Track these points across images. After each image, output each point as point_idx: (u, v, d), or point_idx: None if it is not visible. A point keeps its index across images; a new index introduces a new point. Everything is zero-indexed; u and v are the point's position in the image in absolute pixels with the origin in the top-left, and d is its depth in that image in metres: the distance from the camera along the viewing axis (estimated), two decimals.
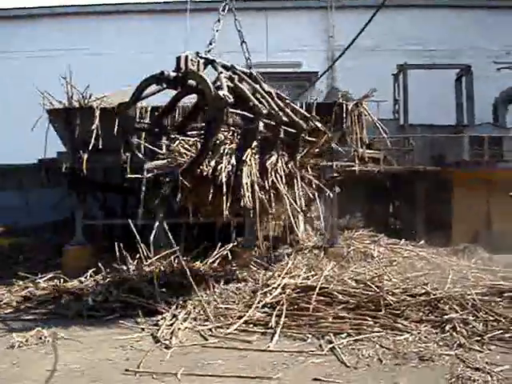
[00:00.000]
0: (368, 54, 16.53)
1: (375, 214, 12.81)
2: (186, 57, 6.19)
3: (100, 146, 8.72)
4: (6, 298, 7.44)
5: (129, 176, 7.41)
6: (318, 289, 6.41)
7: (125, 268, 7.60)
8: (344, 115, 9.26)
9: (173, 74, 6.08)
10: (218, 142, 6.88)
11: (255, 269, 8.12)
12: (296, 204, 7.37)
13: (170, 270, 7.48)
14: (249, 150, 6.87)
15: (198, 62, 6.41)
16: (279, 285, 6.88)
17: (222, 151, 6.96)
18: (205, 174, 6.72)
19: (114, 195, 11.57)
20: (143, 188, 7.47)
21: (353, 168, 9.90)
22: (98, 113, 8.81)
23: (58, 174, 9.61)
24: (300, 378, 4.32)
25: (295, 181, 7.53)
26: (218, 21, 7.38)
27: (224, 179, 6.66)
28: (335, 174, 9.52)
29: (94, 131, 8.72)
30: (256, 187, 6.84)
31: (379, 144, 11.63)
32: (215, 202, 6.84)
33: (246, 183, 6.70)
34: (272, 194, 7.12)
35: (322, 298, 6.32)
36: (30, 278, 7.97)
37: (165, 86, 6.16)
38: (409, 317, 5.82)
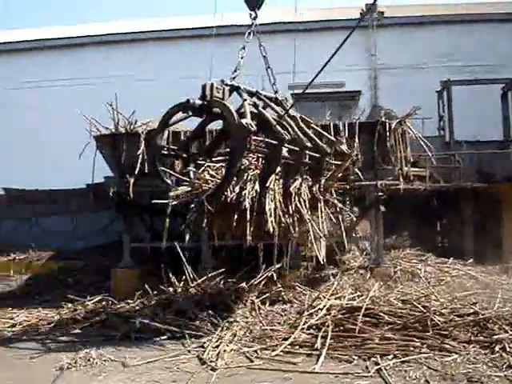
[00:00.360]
0: (410, 71, 16.45)
1: (422, 233, 12.61)
2: (212, 85, 6.41)
3: (146, 170, 8.90)
4: (56, 319, 7.62)
5: (154, 201, 7.53)
6: (363, 310, 6.36)
7: (171, 290, 7.70)
8: (387, 134, 9.22)
9: (198, 102, 6.28)
10: (242, 167, 6.92)
11: (301, 290, 8.11)
12: (319, 228, 7.33)
13: (216, 291, 7.53)
14: (272, 176, 6.89)
15: (224, 89, 6.59)
16: (325, 306, 6.85)
17: (246, 177, 6.99)
18: (229, 200, 6.76)
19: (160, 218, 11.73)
20: (168, 212, 7.53)
21: (398, 186, 9.83)
22: (143, 138, 9.02)
23: (105, 198, 9.83)
24: None
25: (319, 204, 7.51)
26: (243, 48, 7.50)
27: (248, 205, 6.68)
28: (380, 193, 9.47)
29: (140, 156, 8.92)
30: (279, 212, 6.84)
31: (425, 162, 11.51)
32: (240, 227, 6.86)
33: (270, 209, 6.70)
34: (296, 218, 7.10)
35: (368, 318, 6.27)
36: (78, 300, 8.15)
37: (191, 113, 6.35)
38: (457, 337, 5.71)
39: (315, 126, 8.14)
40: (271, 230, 6.67)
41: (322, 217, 7.45)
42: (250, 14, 7.96)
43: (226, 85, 6.78)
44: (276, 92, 7.79)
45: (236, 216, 6.77)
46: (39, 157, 16.75)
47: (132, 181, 8.98)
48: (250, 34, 7.69)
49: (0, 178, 15.94)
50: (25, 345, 6.69)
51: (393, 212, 10.02)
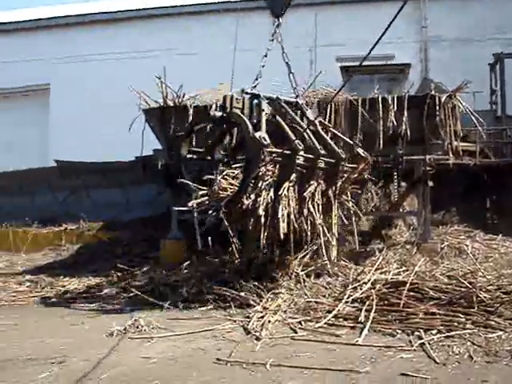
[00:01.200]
0: (461, 44, 16.07)
1: (471, 209, 12.41)
2: (232, 97, 6.81)
3: (194, 143, 9.00)
4: (106, 288, 7.87)
5: (177, 209, 7.72)
6: (408, 284, 6.34)
7: (218, 261, 7.83)
8: (437, 107, 9.08)
9: (218, 114, 6.48)
10: (259, 174, 6.99)
11: (346, 264, 8.13)
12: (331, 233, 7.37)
13: (262, 263, 7.62)
14: (287, 183, 6.94)
15: (243, 99, 6.96)
16: (369, 280, 6.86)
17: (261, 185, 7.05)
18: (244, 207, 6.87)
19: None
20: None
21: (447, 161, 9.69)
22: (191, 111, 9.11)
23: (154, 171, 9.99)
24: (388, 372, 4.31)
25: (333, 208, 7.54)
26: (265, 55, 7.60)
27: (262, 212, 6.75)
28: (428, 168, 9.36)
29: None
30: (292, 217, 6.90)
31: (475, 136, 11.29)
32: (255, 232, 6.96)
33: (283, 214, 6.75)
34: (309, 222, 7.16)
35: (412, 293, 6.25)
36: (128, 270, 8.37)
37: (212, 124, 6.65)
38: (502, 314, 5.64)
39: (333, 130, 8.25)
40: (282, 235, 6.77)
41: (334, 219, 7.50)
42: (273, 22, 8.08)
43: (246, 93, 6.98)
44: (297, 96, 8.10)
45: (252, 221, 6.94)
46: (91, 130, 17.14)
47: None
48: (272, 41, 7.82)
49: (57, 151, 16.39)
50: (75, 312, 6.94)
51: (441, 187, 9.90)
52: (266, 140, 6.32)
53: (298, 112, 7.73)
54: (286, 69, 7.98)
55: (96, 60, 18.58)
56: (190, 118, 9.01)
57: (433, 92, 9.27)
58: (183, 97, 9.37)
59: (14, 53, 19.34)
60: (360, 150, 8.04)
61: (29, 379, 4.25)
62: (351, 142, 8.25)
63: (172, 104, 9.41)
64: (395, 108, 9.05)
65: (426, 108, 9.03)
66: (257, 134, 6.29)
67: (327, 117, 8.92)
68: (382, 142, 9.00)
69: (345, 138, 8.32)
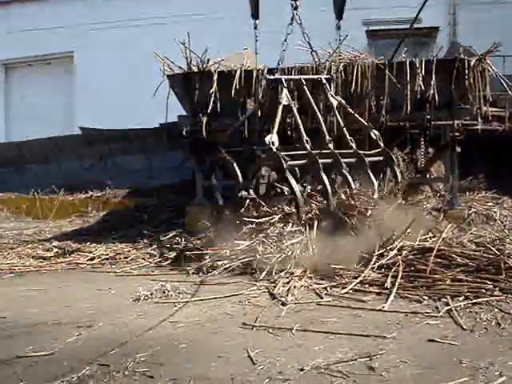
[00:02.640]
0: (491, 6, 15.63)
1: (499, 176, 12.22)
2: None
3: (218, 110, 8.96)
4: (133, 254, 7.95)
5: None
6: (435, 251, 6.28)
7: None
8: (466, 71, 8.88)
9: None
10: None
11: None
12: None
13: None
14: None
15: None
16: (396, 246, 6.80)
17: None
18: None
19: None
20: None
21: (475, 127, 9.51)
22: (215, 77, 9.02)
23: (178, 138, 9.97)
24: (415, 338, 4.29)
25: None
26: (285, 40, 7.55)
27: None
28: (456, 134, 9.19)
29: (212, 95, 8.96)
30: None
31: (505, 102, 11.05)
32: None
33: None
34: None
35: (439, 260, 6.18)
36: (153, 235, 8.43)
37: None
38: None
39: (352, 111, 8.34)
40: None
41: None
42: (292, 5, 8.03)
43: (268, 79, 6.97)
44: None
45: None
46: (115, 97, 17.16)
47: (205, 120, 9.06)
48: (291, 24, 7.76)
49: (81, 119, 16.48)
50: (102, 277, 7.04)
51: (469, 153, 9.73)
52: (273, 144, 6.60)
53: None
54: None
55: (120, 26, 18.48)
56: (215, 83, 8.94)
57: (462, 55, 9.05)
58: (207, 62, 9.27)
59: (38, 20, 19.32)
60: (375, 133, 8.11)
61: (57, 343, 4.31)
62: (368, 125, 8.31)
63: (196, 70, 9.32)
64: (423, 72, 8.88)
65: (455, 72, 8.84)
66: (267, 138, 6.44)
67: (353, 81, 8.78)
68: (409, 106, 8.86)
69: (362, 120, 8.36)
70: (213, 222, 8.24)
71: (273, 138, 6.63)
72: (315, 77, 7.84)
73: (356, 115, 8.29)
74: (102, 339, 4.38)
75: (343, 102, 8.34)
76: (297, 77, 7.57)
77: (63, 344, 4.28)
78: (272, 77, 7.35)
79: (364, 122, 8.32)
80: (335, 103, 8.18)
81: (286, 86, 7.40)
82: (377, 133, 8.24)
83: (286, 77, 7.41)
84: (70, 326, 4.74)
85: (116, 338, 4.39)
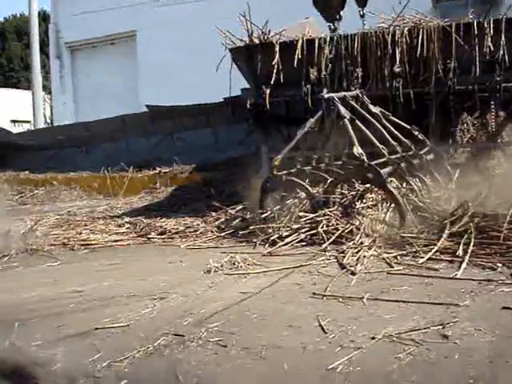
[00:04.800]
0: None
1: None
2: None
3: (281, 81, 8.91)
4: (202, 227, 8.07)
5: None
6: (509, 217, 6.09)
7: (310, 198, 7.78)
8: None
9: None
10: None
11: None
12: None
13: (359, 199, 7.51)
14: None
15: None
16: (467, 213, 6.64)
17: None
18: None
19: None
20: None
21: None
22: (277, 48, 8.97)
23: (242, 111, 9.99)
24: (488, 306, 4.20)
25: None
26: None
27: None
28: None
29: (275, 66, 8.92)
30: None
31: None
32: None
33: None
34: None
35: None
36: (222, 209, 8.52)
37: None
38: None
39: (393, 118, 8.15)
40: None
41: None
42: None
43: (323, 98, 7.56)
44: None
45: None
46: (178, 75, 17.32)
47: (268, 91, 9.04)
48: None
49: (145, 98, 16.73)
50: (173, 250, 7.18)
51: None
52: (363, 155, 6.71)
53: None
54: None
55: (182, 3, 18.57)
56: (277, 54, 8.89)
57: None
58: (269, 33, 9.22)
59: (99, 1, 19.64)
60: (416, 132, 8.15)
61: (132, 314, 4.44)
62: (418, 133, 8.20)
63: (258, 42, 9.28)
64: (492, 32, 8.54)
65: None
66: (355, 150, 6.50)
67: (419, 45, 8.54)
68: (478, 69, 8.56)
69: (403, 124, 8.17)
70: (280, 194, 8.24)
71: (360, 150, 6.66)
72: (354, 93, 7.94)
73: (397, 120, 8.15)
74: (176, 310, 4.48)
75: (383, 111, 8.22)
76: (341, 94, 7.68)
77: (138, 315, 4.40)
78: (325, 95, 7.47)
79: (405, 124, 8.16)
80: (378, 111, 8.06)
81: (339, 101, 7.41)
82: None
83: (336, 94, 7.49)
84: (145, 298, 4.87)
85: (189, 308, 4.49)
